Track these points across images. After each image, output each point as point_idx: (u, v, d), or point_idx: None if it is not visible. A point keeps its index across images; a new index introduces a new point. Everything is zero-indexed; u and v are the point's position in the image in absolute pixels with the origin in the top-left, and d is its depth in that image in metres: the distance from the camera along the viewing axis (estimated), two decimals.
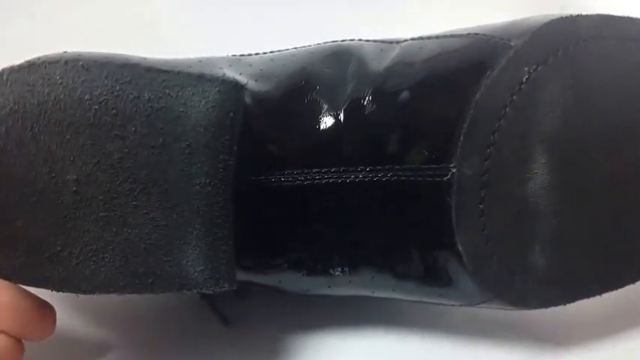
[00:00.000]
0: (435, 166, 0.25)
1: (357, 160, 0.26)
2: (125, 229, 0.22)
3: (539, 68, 0.25)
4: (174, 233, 0.23)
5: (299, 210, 0.26)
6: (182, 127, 0.22)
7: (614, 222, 0.27)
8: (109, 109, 0.22)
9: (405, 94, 0.26)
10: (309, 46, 0.29)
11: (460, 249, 0.26)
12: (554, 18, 0.26)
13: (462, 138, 0.25)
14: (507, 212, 0.26)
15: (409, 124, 0.26)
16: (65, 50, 0.23)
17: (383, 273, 0.27)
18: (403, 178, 0.26)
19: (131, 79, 0.22)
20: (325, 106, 0.26)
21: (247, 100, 0.26)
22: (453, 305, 0.28)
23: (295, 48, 0.29)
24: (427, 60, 0.27)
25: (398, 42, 0.29)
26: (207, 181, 0.23)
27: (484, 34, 0.27)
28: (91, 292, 0.23)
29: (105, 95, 0.22)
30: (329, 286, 0.28)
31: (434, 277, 0.27)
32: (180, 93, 0.22)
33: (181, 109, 0.22)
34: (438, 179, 0.25)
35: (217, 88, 0.23)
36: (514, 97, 0.25)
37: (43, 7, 0.38)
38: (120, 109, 0.22)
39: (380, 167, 0.26)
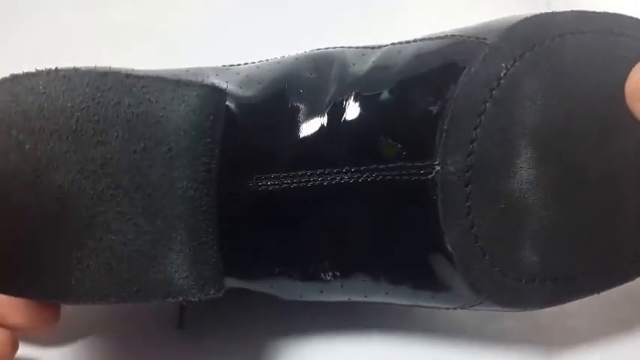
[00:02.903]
0: (420, 164, 0.25)
1: (342, 162, 0.26)
2: (109, 236, 0.22)
3: (516, 63, 0.26)
4: (158, 239, 0.23)
5: (286, 214, 0.26)
6: (163, 132, 0.23)
7: (609, 216, 0.26)
8: (90, 115, 0.22)
9: (385, 95, 0.26)
10: (296, 54, 0.30)
11: (449, 249, 0.25)
12: (528, 16, 0.27)
13: (443, 135, 0.25)
14: (494, 209, 0.25)
15: (391, 124, 0.26)
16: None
17: (374, 276, 0.27)
18: (388, 177, 0.26)
19: (111, 86, 0.22)
20: (308, 110, 0.27)
21: (231, 105, 0.26)
22: (447, 308, 0.28)
23: (282, 57, 0.30)
24: (406, 62, 0.27)
25: (379, 47, 0.29)
26: (190, 184, 0.23)
27: (460, 35, 0.27)
28: (76, 302, 0.23)
29: (86, 102, 0.22)
30: (321, 292, 0.27)
31: (426, 280, 0.26)
32: (159, 98, 0.23)
33: (161, 114, 0.23)
34: (422, 178, 0.25)
35: (196, 92, 0.23)
36: (493, 92, 0.25)
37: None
38: (101, 116, 0.22)
39: (364, 167, 0.26)
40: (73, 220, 0.22)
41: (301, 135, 0.26)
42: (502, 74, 0.26)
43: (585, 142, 0.26)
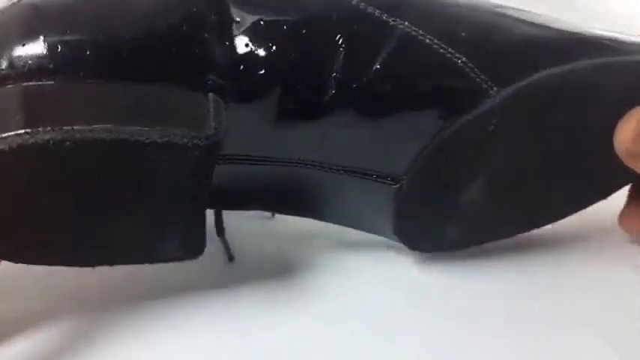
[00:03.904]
0: (391, 176, 0.29)
1: (324, 156, 0.28)
2: (118, 231, 0.26)
3: (507, 119, 0.27)
4: (154, 240, 0.26)
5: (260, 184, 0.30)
6: (164, 186, 0.25)
7: (528, 207, 0.32)
8: (94, 175, 0.24)
9: (382, 107, 0.27)
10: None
11: (393, 229, 0.31)
12: (542, 76, 0.26)
13: (420, 160, 0.28)
14: (439, 215, 0.30)
15: (381, 137, 0.28)
16: None
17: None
18: (358, 175, 0.29)
19: (112, 156, 0.23)
20: (304, 109, 0.27)
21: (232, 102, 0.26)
22: None
23: None
24: (414, 78, 0.27)
25: (395, 19, 0.27)
26: (185, 218, 0.26)
27: (472, 67, 0.26)
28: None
29: (91, 166, 0.23)
30: None
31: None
32: (163, 163, 0.24)
33: (162, 174, 0.24)
34: (389, 183, 0.29)
35: (196, 153, 0.24)
36: (478, 142, 0.27)
37: None
38: (104, 174, 0.24)
39: (341, 166, 0.29)
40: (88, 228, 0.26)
41: (297, 129, 0.28)
42: (491, 128, 0.27)
43: (540, 179, 0.30)
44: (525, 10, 0.29)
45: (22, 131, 0.22)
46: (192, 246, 0.27)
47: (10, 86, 0.24)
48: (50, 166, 0.23)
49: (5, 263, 0.26)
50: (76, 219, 0.25)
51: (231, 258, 0.32)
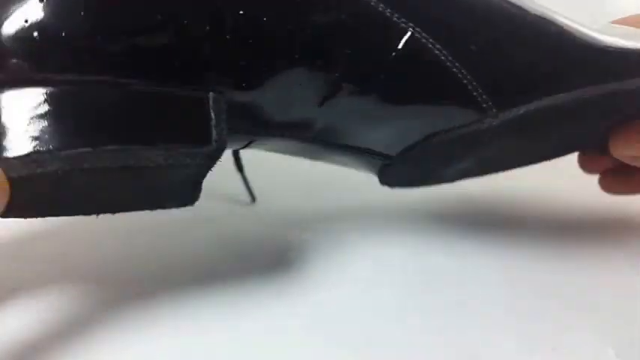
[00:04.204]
0: (385, 156, 0.30)
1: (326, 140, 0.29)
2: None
3: (503, 136, 0.28)
4: (153, 205, 0.28)
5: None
6: (162, 185, 0.26)
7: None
8: (99, 187, 0.24)
9: (381, 106, 0.27)
10: None
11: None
12: (546, 103, 0.26)
13: (412, 152, 0.29)
14: (424, 181, 0.32)
15: (377, 127, 0.28)
16: None
17: None
18: (349, 151, 0.30)
19: (118, 177, 0.24)
20: (303, 103, 0.27)
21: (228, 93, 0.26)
22: None
23: None
24: (416, 84, 0.27)
25: (406, 22, 0.26)
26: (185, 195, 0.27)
27: (477, 88, 0.26)
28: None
29: (97, 184, 0.24)
30: None
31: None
32: (161, 174, 0.25)
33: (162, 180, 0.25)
34: (377, 159, 0.30)
35: (197, 161, 0.25)
36: (472, 145, 0.28)
37: None
38: (108, 187, 0.25)
39: (336, 143, 0.30)
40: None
41: (296, 114, 0.28)
42: (486, 141, 0.28)
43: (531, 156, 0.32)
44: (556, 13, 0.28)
45: (26, 153, 0.23)
46: (188, 201, 0.29)
47: (7, 92, 0.23)
48: (56, 186, 0.24)
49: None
50: (74, 204, 0.26)
51: (253, 199, 0.34)
